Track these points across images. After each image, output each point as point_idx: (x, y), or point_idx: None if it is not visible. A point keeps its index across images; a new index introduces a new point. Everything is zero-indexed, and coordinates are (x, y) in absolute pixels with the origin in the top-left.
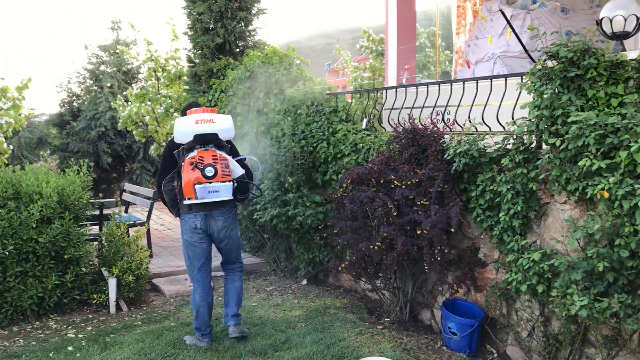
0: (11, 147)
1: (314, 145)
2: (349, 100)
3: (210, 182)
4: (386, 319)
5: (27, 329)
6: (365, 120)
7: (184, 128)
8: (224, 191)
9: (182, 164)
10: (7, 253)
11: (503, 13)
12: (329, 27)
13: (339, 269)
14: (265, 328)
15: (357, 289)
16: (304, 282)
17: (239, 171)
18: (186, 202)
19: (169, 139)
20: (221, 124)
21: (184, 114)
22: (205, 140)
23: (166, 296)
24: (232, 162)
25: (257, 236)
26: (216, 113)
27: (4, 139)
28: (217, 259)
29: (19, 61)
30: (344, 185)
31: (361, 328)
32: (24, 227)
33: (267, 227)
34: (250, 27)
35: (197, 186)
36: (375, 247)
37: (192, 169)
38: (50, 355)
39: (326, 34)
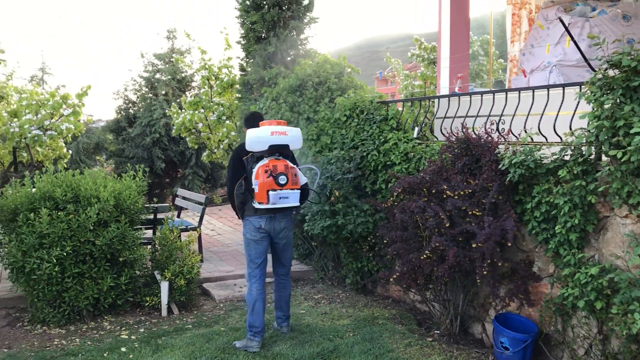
0: (70, 151)
1: (364, 153)
2: (399, 109)
3: (282, 189)
4: (436, 332)
5: (83, 328)
6: (416, 129)
7: (261, 139)
8: (292, 198)
9: (254, 170)
10: (65, 254)
11: (562, 21)
12: (377, 36)
13: (390, 280)
14: (313, 336)
15: (406, 299)
16: (351, 290)
17: (303, 179)
18: (257, 205)
19: (237, 146)
20: (293, 136)
21: (248, 123)
22: (277, 150)
23: (216, 301)
24: (299, 171)
25: (305, 244)
26: (286, 125)
27: (63, 144)
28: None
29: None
30: (395, 194)
31: (410, 340)
32: (82, 230)
33: (315, 236)
34: (302, 36)
35: (270, 192)
36: (426, 258)
37: (267, 177)
38: (105, 355)
39: (374, 42)
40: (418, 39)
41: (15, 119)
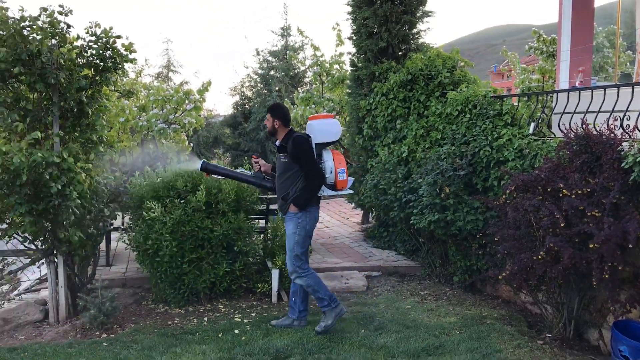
0: (192, 144)
1: (476, 149)
2: (515, 104)
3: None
4: (547, 335)
5: (200, 310)
6: (532, 124)
7: (339, 129)
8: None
9: (330, 159)
10: (184, 240)
11: None
12: (493, 28)
13: (499, 278)
14: (418, 331)
15: (517, 300)
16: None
17: None
18: (331, 193)
19: (300, 137)
20: None
21: (285, 117)
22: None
23: None
24: None
25: (412, 239)
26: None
27: (186, 137)
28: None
29: None
30: (507, 192)
31: (519, 341)
32: (199, 218)
33: (422, 232)
34: (414, 30)
35: (349, 178)
36: (539, 258)
37: (346, 164)
38: (220, 336)
39: (490, 35)
40: (537, 31)
41: (144, 113)
